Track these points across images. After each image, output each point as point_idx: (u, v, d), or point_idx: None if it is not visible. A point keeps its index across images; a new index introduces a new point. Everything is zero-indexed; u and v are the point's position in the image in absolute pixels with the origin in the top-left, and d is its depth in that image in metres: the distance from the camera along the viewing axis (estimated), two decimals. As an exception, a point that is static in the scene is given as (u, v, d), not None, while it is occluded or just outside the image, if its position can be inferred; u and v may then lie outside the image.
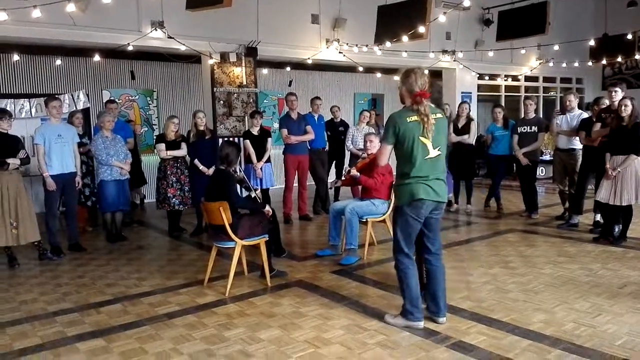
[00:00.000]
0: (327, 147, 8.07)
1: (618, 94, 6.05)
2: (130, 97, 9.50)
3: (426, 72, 3.59)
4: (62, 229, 6.34)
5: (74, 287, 4.79)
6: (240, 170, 6.14)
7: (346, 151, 8.33)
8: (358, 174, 5.48)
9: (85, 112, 7.92)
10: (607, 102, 6.39)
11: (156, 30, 7.89)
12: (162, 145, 6.57)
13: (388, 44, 9.23)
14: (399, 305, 3.80)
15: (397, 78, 11.55)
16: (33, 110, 7.88)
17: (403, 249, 3.62)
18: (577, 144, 6.71)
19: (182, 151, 6.67)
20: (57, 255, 5.78)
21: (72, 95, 7.95)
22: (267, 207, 4.95)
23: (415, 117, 3.46)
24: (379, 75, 11.34)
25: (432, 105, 3.64)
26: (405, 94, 3.56)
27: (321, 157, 7.86)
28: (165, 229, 7.05)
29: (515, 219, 7.39)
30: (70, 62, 8.78)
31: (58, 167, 5.78)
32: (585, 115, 6.75)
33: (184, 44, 8.11)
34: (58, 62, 8.44)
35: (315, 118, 7.84)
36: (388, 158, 3.69)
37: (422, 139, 3.45)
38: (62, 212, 6.37)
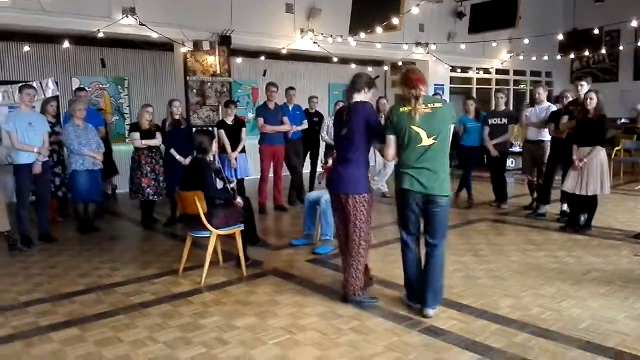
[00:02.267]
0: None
1: (584, 87, 6.26)
2: (100, 85, 9.32)
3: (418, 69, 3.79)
4: (32, 218, 6.22)
5: (46, 277, 4.73)
6: (217, 161, 6.11)
7: (321, 141, 8.36)
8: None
9: (54, 100, 7.74)
10: (569, 95, 6.61)
11: (127, 16, 7.77)
12: (137, 135, 6.50)
13: (362, 35, 9.28)
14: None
15: (370, 69, 11.70)
16: (0, 97, 7.67)
17: (401, 234, 3.79)
18: (546, 136, 6.89)
19: (157, 140, 6.61)
20: (27, 246, 5.67)
21: (40, 83, 7.76)
22: (239, 199, 4.95)
23: (406, 107, 3.56)
24: (353, 66, 11.38)
25: (430, 96, 3.83)
26: (404, 89, 3.63)
27: (296, 147, 7.88)
28: (138, 219, 6.98)
29: (485, 209, 7.57)
30: (38, 48, 8.55)
31: (29, 155, 5.65)
32: (554, 107, 6.93)
33: (156, 32, 8.00)
34: (26, 48, 8.20)
35: (290, 108, 7.84)
36: (394, 150, 3.68)
37: (413, 127, 3.52)
38: (32, 202, 6.24)
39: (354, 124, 3.77)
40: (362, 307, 3.84)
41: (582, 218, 6.13)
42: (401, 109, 3.60)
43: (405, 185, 3.60)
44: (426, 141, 3.53)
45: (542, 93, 7.05)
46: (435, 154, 3.56)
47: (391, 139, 3.67)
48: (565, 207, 6.66)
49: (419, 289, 3.71)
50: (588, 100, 5.75)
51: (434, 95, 8.31)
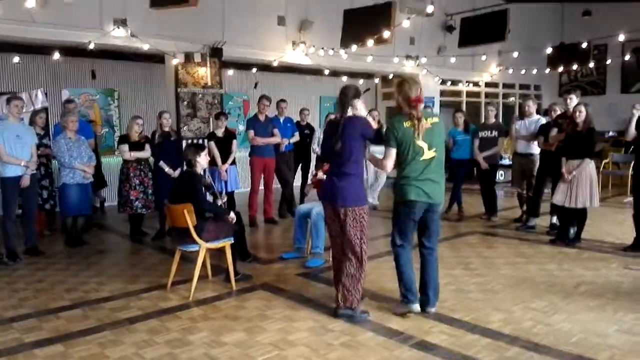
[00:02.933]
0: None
1: (573, 100, 6.33)
2: (90, 97, 9.26)
3: (418, 80, 3.95)
4: (18, 232, 6.14)
5: (32, 292, 4.65)
6: (208, 176, 6.05)
7: (312, 154, 8.36)
8: (325, 176, 5.49)
9: (43, 111, 7.68)
10: (557, 108, 6.68)
11: (118, 28, 7.74)
12: (126, 147, 6.44)
13: (354, 47, 9.33)
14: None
15: (361, 82, 11.75)
16: (-12, 109, 7.59)
17: (395, 240, 3.92)
18: (535, 149, 6.94)
19: (146, 153, 6.56)
20: (13, 260, 5.58)
21: (29, 94, 7.70)
22: (232, 214, 4.90)
23: (408, 123, 3.69)
24: (344, 78, 11.41)
25: (429, 111, 3.83)
26: (402, 103, 3.79)
27: (287, 159, 7.86)
28: (126, 232, 6.90)
29: (476, 222, 7.58)
30: (28, 59, 8.48)
31: (16, 168, 5.58)
32: (544, 120, 6.98)
33: (147, 43, 7.98)
34: (16, 59, 8.14)
35: (281, 121, 7.84)
36: (393, 162, 3.82)
37: (416, 142, 3.69)
38: (19, 216, 6.16)
39: (349, 138, 3.78)
40: (353, 321, 3.81)
41: (572, 231, 6.15)
42: (405, 124, 3.71)
43: (412, 197, 3.73)
44: (427, 154, 3.72)
45: (531, 106, 7.12)
46: (436, 165, 3.76)
47: (392, 151, 3.77)
48: (554, 219, 6.69)
49: (421, 289, 3.93)
50: (577, 113, 5.80)
51: (424, 108, 8.32)
